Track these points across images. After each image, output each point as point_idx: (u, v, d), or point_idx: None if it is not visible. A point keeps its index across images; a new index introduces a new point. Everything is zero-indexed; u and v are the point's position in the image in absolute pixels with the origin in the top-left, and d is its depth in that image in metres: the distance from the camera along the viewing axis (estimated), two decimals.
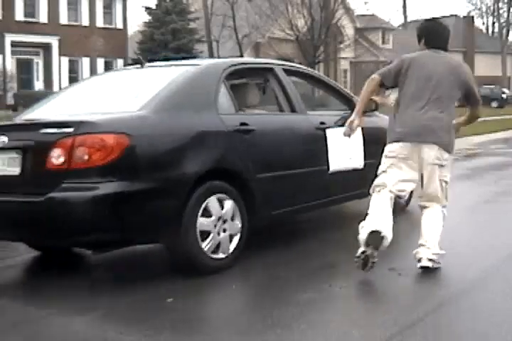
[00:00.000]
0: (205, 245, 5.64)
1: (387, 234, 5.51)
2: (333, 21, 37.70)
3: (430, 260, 5.68)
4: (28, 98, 36.34)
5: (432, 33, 6.20)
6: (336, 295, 5.19)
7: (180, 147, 5.71)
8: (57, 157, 5.22)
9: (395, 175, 5.81)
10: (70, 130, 5.25)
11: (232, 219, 5.93)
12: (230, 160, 6.11)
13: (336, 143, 7.22)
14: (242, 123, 6.28)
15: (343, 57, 43.93)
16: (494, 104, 57.40)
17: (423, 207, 5.98)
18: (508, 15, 78.60)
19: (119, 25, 43.38)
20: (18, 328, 4.67)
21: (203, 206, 5.65)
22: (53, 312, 4.93)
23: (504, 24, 79.37)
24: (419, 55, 6.00)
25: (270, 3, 39.09)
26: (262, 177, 6.30)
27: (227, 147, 6.11)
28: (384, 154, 5.95)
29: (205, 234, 5.65)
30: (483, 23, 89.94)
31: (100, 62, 41.27)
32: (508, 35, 79.54)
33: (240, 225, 5.99)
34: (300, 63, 35.02)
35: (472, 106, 6.21)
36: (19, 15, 37.89)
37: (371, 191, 5.94)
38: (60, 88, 38.14)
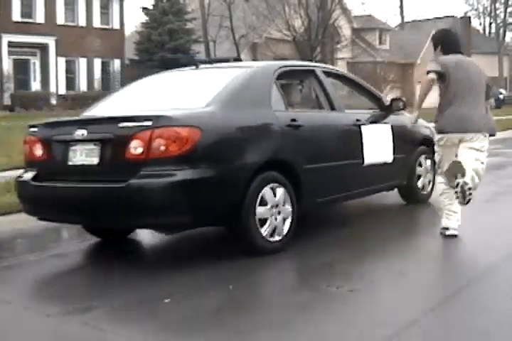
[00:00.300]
0: (264, 230, 6.31)
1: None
2: (330, 22, 37.73)
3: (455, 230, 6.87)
4: (25, 99, 36.41)
5: (448, 41, 7.27)
6: (334, 295, 5.18)
7: (243, 140, 6.42)
8: (136, 148, 5.89)
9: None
10: (149, 123, 5.89)
11: (284, 204, 6.55)
12: (283, 152, 6.77)
13: (370, 138, 8.04)
14: (292, 120, 6.95)
15: (340, 58, 43.91)
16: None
17: None
18: (505, 16, 78.75)
19: (116, 25, 43.29)
20: None
21: (260, 195, 6.30)
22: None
23: (501, 25, 79.47)
24: (452, 59, 7.03)
25: (267, 4, 39.09)
26: (309, 168, 6.96)
27: (281, 140, 6.77)
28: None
29: (263, 221, 6.31)
30: (480, 24, 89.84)
31: (97, 63, 41.33)
32: (504, 35, 79.72)
33: (290, 209, 6.61)
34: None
35: (487, 99, 7.36)
36: (16, 15, 37.82)
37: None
38: (57, 88, 38.18)
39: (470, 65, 7.11)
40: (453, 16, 77.96)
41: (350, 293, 5.15)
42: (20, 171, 7.17)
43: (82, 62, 40.71)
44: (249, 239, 6.28)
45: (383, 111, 8.61)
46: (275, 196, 6.45)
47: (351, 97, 9.56)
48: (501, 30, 78.99)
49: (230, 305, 5.05)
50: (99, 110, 7.33)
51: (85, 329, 4.58)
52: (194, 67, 7.89)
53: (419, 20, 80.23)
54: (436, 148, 7.32)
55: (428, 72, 6.94)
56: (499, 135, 22.93)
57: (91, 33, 39.62)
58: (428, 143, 8.95)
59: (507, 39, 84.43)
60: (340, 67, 50.85)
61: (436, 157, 7.35)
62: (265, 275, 5.98)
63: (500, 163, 14.88)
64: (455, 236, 6.88)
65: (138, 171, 5.86)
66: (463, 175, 6.46)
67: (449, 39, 7.35)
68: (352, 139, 7.87)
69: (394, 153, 8.45)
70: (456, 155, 6.90)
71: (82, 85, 40.81)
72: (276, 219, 6.45)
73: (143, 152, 5.88)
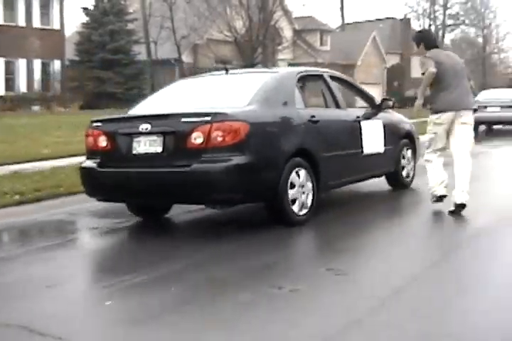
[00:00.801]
0: (295, 207, 7.79)
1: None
2: (271, 23, 37.85)
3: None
4: None
5: (426, 38, 9.08)
6: (277, 296, 5.22)
7: (278, 132, 7.90)
8: (197, 138, 7.25)
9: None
10: (208, 119, 7.25)
11: (306, 183, 8.00)
12: (307, 142, 8.22)
13: (367, 132, 9.63)
14: (312, 116, 8.46)
15: (281, 59, 44.00)
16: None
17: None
18: (444, 18, 79.73)
19: (57, 25, 42.80)
20: None
21: (290, 178, 7.75)
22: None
23: (440, 26, 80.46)
24: (437, 54, 8.72)
25: (208, 5, 39.07)
26: (324, 156, 8.43)
27: (305, 133, 8.27)
28: None
29: (293, 200, 7.77)
30: (420, 26, 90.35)
31: (37, 64, 40.86)
32: (444, 37, 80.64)
33: (311, 186, 8.08)
34: (239, 65, 34.85)
35: (469, 80, 8.96)
36: None
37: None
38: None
39: (451, 56, 8.91)
40: (393, 18, 78.74)
41: (291, 293, 5.22)
42: None
43: (21, 63, 40.19)
44: (283, 214, 7.71)
45: (374, 109, 10.16)
46: (299, 178, 7.87)
47: (348, 97, 11.11)
48: (440, 32, 79.98)
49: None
50: (147, 108, 8.68)
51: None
52: (224, 72, 9.24)
53: (360, 22, 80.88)
54: (430, 127, 8.79)
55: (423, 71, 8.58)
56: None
57: (31, 34, 39.15)
58: (409, 136, 10.89)
59: (446, 41, 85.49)
60: None
61: (429, 136, 8.81)
62: (209, 276, 6.02)
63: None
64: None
65: (199, 157, 7.26)
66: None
67: (428, 37, 9.22)
68: (354, 133, 9.44)
69: (385, 145, 10.04)
70: (448, 134, 8.64)
71: (22, 86, 40.16)
72: (302, 197, 7.91)
73: (203, 142, 7.23)
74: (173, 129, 7.47)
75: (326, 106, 9.50)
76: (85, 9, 43.23)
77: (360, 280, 5.65)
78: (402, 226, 8.24)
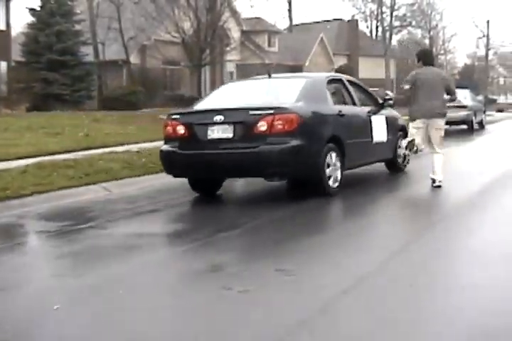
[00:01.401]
0: (330, 182, 10.54)
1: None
2: (219, 24, 37.77)
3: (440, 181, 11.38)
4: None
5: (425, 56, 11.89)
6: (228, 297, 5.23)
7: (319, 123, 10.73)
8: (262, 126, 9.88)
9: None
10: (271, 111, 9.90)
11: (336, 163, 10.71)
12: (337, 131, 10.93)
13: (375, 124, 12.37)
14: (339, 111, 11.26)
15: (229, 60, 44.00)
16: None
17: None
18: (391, 20, 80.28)
19: (2, 26, 41.96)
20: None
21: (327, 159, 10.40)
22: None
23: (387, 28, 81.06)
24: (422, 71, 11.61)
25: (156, 6, 38.81)
26: (348, 142, 11.13)
27: (336, 124, 11.06)
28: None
29: (329, 177, 10.47)
30: (368, 27, 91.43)
31: None
32: (391, 38, 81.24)
33: (339, 165, 10.82)
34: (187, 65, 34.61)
35: (451, 95, 11.79)
36: None
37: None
38: None
39: (431, 73, 11.61)
40: (341, 19, 79.21)
41: (240, 295, 5.24)
42: None
43: None
44: (322, 186, 10.43)
45: (377, 106, 12.93)
46: (332, 159, 10.57)
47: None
48: (388, 33, 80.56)
49: None
50: (210, 104, 11.27)
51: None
52: (267, 76, 11.89)
53: (308, 23, 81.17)
54: (410, 129, 11.84)
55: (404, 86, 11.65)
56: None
57: None
58: (403, 130, 13.61)
59: (393, 42, 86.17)
60: (230, 69, 51.10)
61: (410, 134, 11.85)
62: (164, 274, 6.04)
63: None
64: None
65: (264, 141, 9.91)
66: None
67: (427, 55, 12.08)
68: (367, 125, 12.27)
69: (387, 135, 12.78)
70: (426, 138, 11.59)
71: None
72: (334, 173, 10.63)
73: (267, 129, 9.89)
74: (242, 120, 10.13)
75: (346, 104, 12.12)
76: (31, 10, 42.58)
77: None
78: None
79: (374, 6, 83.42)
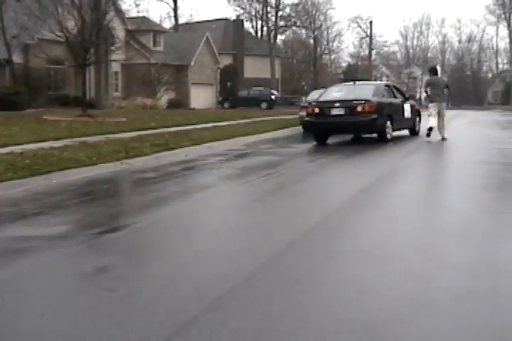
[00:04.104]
0: (388, 135, 20.86)
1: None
2: (104, 23, 37.31)
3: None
4: None
5: (433, 71, 23.34)
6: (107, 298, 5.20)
7: (384, 107, 20.89)
8: (359, 108, 20.21)
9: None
10: (363, 101, 20.32)
11: (388, 126, 20.91)
12: (390, 111, 21.25)
13: (405, 108, 22.75)
14: (390, 101, 21.88)
15: (114, 60, 43.46)
16: (263, 106, 59.19)
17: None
18: (276, 19, 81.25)
19: None
20: None
21: (386, 124, 20.68)
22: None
23: (272, 28, 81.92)
24: (432, 78, 22.76)
25: (40, 4, 38.03)
26: (394, 117, 21.36)
27: (389, 108, 21.41)
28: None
29: (387, 133, 20.94)
30: (253, 27, 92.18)
31: None
32: (276, 38, 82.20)
33: (390, 127, 20.96)
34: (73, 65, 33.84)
35: (448, 90, 23.24)
36: None
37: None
38: None
39: (437, 79, 22.90)
40: (226, 19, 79.58)
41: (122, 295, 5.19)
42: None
43: None
44: (385, 137, 20.61)
45: (405, 99, 23.28)
46: (388, 124, 20.66)
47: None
48: (273, 33, 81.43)
49: None
50: (327, 97, 21.99)
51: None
52: (352, 83, 23.33)
53: (193, 23, 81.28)
54: (429, 109, 22.01)
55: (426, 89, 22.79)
56: (271, 135, 24.34)
57: None
58: (418, 112, 24.70)
59: (278, 41, 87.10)
60: (115, 69, 50.63)
61: (429, 112, 21.91)
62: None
63: (273, 162, 15.31)
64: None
65: (360, 116, 20.08)
66: (429, 135, 21.67)
67: (435, 71, 23.31)
68: (401, 108, 22.38)
69: (411, 115, 23.20)
70: (438, 113, 21.59)
71: None
72: (389, 131, 20.87)
73: (361, 110, 20.08)
74: (348, 105, 20.31)
75: (392, 97, 22.27)
76: None
77: None
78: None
79: (259, 6, 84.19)
